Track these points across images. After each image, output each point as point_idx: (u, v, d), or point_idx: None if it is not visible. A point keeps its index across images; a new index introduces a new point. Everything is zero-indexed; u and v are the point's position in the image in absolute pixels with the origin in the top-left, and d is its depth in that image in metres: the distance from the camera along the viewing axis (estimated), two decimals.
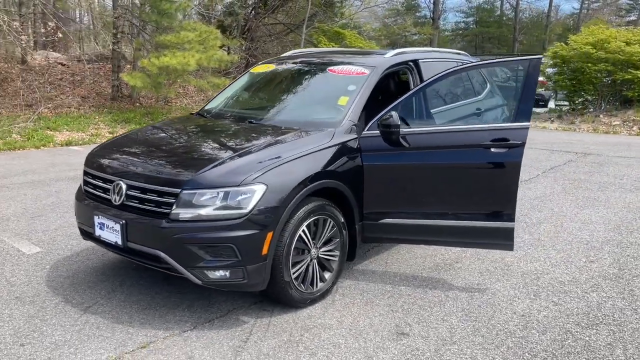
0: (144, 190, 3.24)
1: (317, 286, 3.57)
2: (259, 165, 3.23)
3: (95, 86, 16.94)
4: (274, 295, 3.42)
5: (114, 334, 3.16)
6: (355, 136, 3.79)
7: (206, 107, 4.76)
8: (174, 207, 3.11)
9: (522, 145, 3.64)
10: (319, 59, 4.74)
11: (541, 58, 3.91)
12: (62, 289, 3.76)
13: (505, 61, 4.54)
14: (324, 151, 3.56)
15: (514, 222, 3.72)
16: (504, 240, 3.75)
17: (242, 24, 19.58)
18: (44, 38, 14.32)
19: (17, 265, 4.16)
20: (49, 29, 15.11)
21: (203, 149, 3.63)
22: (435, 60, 4.89)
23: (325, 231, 3.57)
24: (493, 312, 3.47)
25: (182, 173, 3.22)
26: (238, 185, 3.11)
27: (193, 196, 3.09)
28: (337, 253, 3.70)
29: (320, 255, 3.59)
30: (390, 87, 5.63)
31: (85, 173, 3.71)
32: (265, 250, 3.14)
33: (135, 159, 3.55)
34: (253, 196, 3.11)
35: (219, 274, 3.14)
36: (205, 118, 4.46)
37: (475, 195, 3.78)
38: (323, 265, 3.65)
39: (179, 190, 3.11)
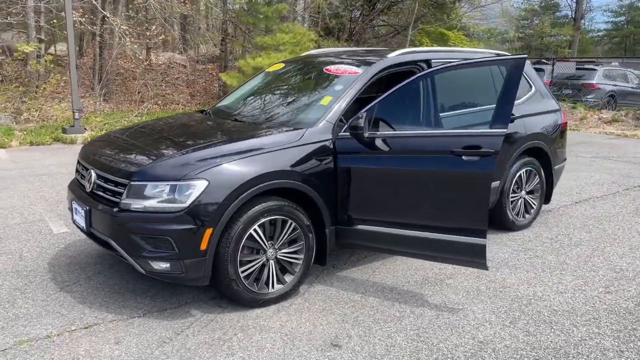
0: (106, 180, 3.43)
1: (273, 287, 3.52)
2: (206, 161, 3.26)
3: (206, 85, 18.16)
4: (221, 291, 3.44)
5: (70, 312, 3.38)
6: (330, 137, 3.66)
7: (217, 104, 4.89)
8: (123, 196, 3.24)
9: (495, 154, 3.27)
10: (327, 58, 4.64)
11: (525, 58, 3.49)
12: (58, 267, 4.09)
13: (486, 61, 4.09)
14: (286, 150, 3.50)
15: (485, 238, 3.36)
16: (476, 257, 3.40)
17: (347, 26, 19.73)
18: (156, 40, 15.54)
19: (38, 242, 4.60)
20: (169, 32, 16.40)
21: (166, 144, 3.73)
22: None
23: (284, 233, 3.50)
24: (449, 335, 3.16)
25: (135, 165, 3.35)
26: (179, 180, 3.16)
27: (140, 187, 3.20)
28: (301, 256, 3.61)
29: (280, 256, 3.53)
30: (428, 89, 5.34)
31: (77, 162, 4.01)
32: (204, 246, 3.16)
33: (110, 151, 3.76)
34: (193, 191, 3.14)
35: (161, 265, 3.21)
36: (201, 115, 4.59)
37: (445, 206, 3.48)
38: (284, 267, 3.58)
39: (128, 181, 3.24)
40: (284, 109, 4.20)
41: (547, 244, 4.76)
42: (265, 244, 3.43)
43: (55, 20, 13.42)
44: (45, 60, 12.68)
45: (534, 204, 5.26)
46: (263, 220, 3.37)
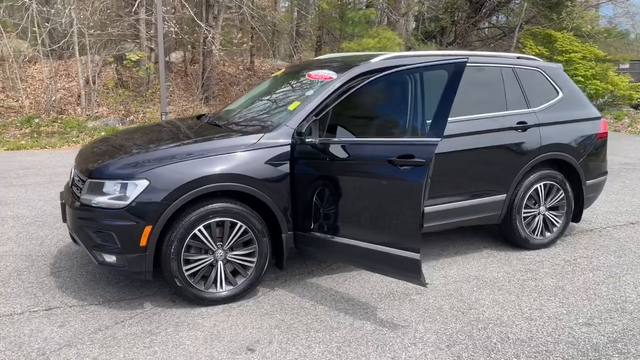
0: (79, 177, 3.75)
1: (222, 288, 3.60)
2: (151, 162, 3.43)
3: None
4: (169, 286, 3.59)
5: (44, 294, 3.75)
6: (288, 142, 3.66)
7: (224, 107, 5.08)
8: (82, 192, 3.52)
9: (425, 164, 3.05)
10: (318, 63, 4.62)
11: (466, 61, 3.21)
12: (64, 254, 4.52)
13: (426, 66, 3.74)
14: (238, 154, 3.56)
15: (418, 253, 3.14)
16: (409, 272, 3.21)
17: (449, 29, 19.14)
18: (247, 46, 16.28)
19: (63, 231, 5.11)
20: (261, 39, 17.15)
21: (133, 145, 3.95)
22: None
23: (234, 235, 3.56)
24: (371, 352, 3.02)
25: (94, 164, 3.61)
26: (123, 179, 3.37)
27: (94, 185, 3.46)
28: (253, 259, 3.65)
29: (230, 258, 3.60)
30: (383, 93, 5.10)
31: None
32: (143, 242, 3.33)
33: (90, 152, 4.07)
34: (134, 190, 3.33)
35: (109, 258, 3.45)
36: (193, 119, 4.80)
37: (383, 217, 3.31)
38: (236, 269, 3.65)
39: (87, 178, 3.51)
40: (262, 114, 4.28)
41: (556, 267, 4.30)
42: (212, 244, 3.52)
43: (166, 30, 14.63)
44: (147, 68, 13.86)
45: (557, 221, 4.77)
46: (209, 221, 3.47)
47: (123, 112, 14.49)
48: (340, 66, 4.16)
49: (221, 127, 4.18)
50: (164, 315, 3.46)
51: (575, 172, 4.77)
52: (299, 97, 4.05)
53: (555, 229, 4.78)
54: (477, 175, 4.37)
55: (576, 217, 4.95)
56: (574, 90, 4.94)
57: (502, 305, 3.61)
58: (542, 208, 4.70)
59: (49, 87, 13.80)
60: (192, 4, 15.31)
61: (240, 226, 3.56)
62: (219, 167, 3.48)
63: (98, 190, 3.43)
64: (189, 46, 17.25)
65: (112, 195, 3.40)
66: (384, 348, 3.05)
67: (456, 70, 3.25)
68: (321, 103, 3.78)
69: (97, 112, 13.99)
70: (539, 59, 5.00)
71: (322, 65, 4.35)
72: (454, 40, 19.56)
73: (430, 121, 3.35)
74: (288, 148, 3.65)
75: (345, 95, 3.77)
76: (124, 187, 3.36)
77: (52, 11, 13.33)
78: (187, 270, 3.48)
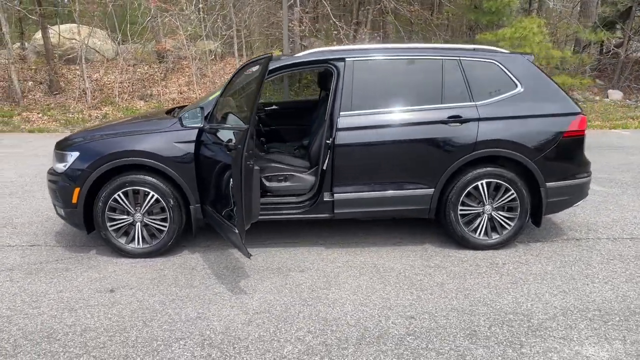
0: None
1: (139, 244, 4.39)
2: (87, 138, 4.39)
3: None
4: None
5: (17, 237, 4.99)
6: (195, 126, 4.28)
7: None
8: (53, 161, 4.64)
9: (233, 148, 3.41)
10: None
11: (270, 57, 3.43)
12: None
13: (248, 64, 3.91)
14: (152, 135, 4.32)
15: (236, 228, 3.56)
16: (238, 244, 3.69)
17: (634, 12, 16.80)
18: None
19: None
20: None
21: (99, 126, 4.93)
22: (375, 59, 4.47)
23: (147, 202, 4.33)
24: (209, 309, 3.53)
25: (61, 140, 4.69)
26: (66, 150, 4.37)
27: (55, 154, 4.53)
28: (166, 225, 4.37)
29: (147, 221, 4.38)
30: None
31: None
32: (74, 200, 4.30)
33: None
34: (70, 159, 4.31)
35: (60, 211, 4.50)
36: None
37: (231, 198, 3.76)
38: (152, 231, 4.41)
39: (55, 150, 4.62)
40: (199, 103, 4.88)
41: (473, 267, 4.15)
42: (130, 208, 4.33)
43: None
44: None
45: (507, 223, 4.49)
46: (125, 189, 4.28)
47: None
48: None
49: (172, 115, 4.95)
50: (88, 259, 4.38)
51: (530, 172, 4.42)
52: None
53: (505, 232, 4.50)
54: (402, 167, 4.41)
55: (536, 221, 4.57)
56: (542, 84, 4.53)
57: (356, 292, 3.74)
58: (487, 207, 4.47)
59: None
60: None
61: (153, 195, 4.30)
62: (132, 144, 4.27)
63: (56, 159, 4.49)
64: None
65: (61, 163, 4.42)
66: (212, 306, 3.53)
67: (262, 67, 3.53)
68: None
69: None
70: (501, 50, 4.69)
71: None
72: None
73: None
74: (194, 132, 4.26)
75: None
76: (66, 157, 4.36)
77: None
78: (111, 226, 4.35)
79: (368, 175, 4.40)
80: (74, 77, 16.80)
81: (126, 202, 4.31)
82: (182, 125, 4.26)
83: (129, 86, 16.43)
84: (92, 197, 4.32)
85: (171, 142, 4.28)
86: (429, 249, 4.55)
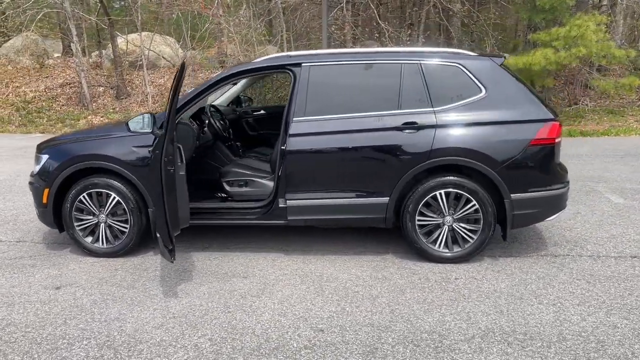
0: None
1: (103, 244, 4.59)
2: (58, 142, 4.65)
3: None
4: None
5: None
6: (143, 131, 4.40)
7: None
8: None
9: (153, 151, 3.49)
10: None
11: (184, 64, 3.49)
12: None
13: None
14: (113, 139, 4.50)
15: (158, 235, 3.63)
16: (163, 250, 3.71)
17: None
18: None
19: None
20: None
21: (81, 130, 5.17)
22: (332, 64, 4.39)
23: (109, 204, 4.51)
24: (138, 304, 3.64)
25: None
26: (40, 152, 4.66)
27: (35, 157, 4.83)
28: (127, 227, 4.54)
29: (111, 223, 4.57)
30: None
31: None
32: (45, 201, 4.56)
33: None
34: (41, 161, 4.59)
35: (36, 210, 4.79)
36: None
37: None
38: (116, 232, 4.59)
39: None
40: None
41: (418, 280, 3.96)
42: (95, 209, 4.53)
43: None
44: None
45: (470, 236, 4.25)
46: (89, 191, 4.49)
47: None
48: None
49: None
50: (57, 257, 4.63)
51: (493, 183, 4.15)
52: None
53: (467, 245, 4.26)
54: (356, 175, 4.29)
55: (503, 234, 4.28)
56: (510, 88, 4.24)
57: (283, 301, 3.69)
58: (447, 218, 4.25)
59: None
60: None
61: (114, 197, 4.47)
62: (95, 148, 4.48)
63: (36, 161, 4.79)
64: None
65: (36, 164, 4.70)
66: (136, 307, 3.63)
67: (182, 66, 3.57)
68: (187, 100, 4.40)
69: None
70: (467, 53, 4.42)
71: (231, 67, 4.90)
72: None
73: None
74: (151, 137, 4.38)
75: (206, 94, 4.34)
76: (39, 159, 4.64)
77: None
78: (78, 226, 4.57)
79: (321, 182, 4.32)
80: (141, 83, 17.78)
81: (91, 203, 4.51)
82: (129, 130, 4.40)
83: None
84: (62, 198, 4.57)
85: (130, 146, 4.43)
86: (388, 260, 4.40)
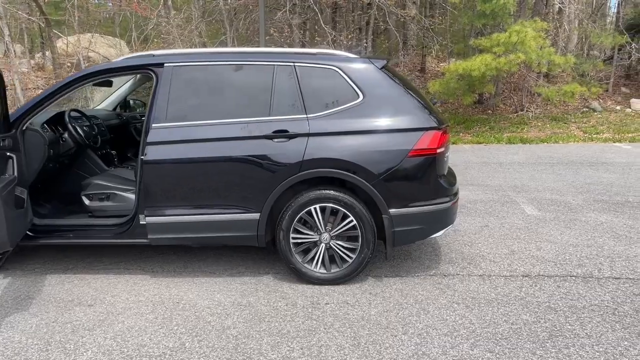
0: None
1: None
2: None
3: None
4: None
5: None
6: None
7: None
8: None
9: None
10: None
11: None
12: None
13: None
14: None
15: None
16: None
17: None
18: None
19: None
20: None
21: None
22: (198, 64, 3.95)
23: None
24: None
25: None
26: None
27: None
28: None
29: None
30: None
31: None
32: None
33: None
34: None
35: None
36: None
37: None
38: None
39: None
40: None
41: (279, 304, 3.54)
42: None
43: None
44: None
45: (348, 255, 3.85)
46: None
47: None
48: None
49: None
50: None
51: (369, 197, 3.77)
52: None
53: (345, 265, 3.87)
54: (223, 188, 3.86)
55: (371, 251, 3.89)
56: (389, 93, 3.87)
57: (116, 336, 3.22)
58: (324, 236, 3.85)
59: None
60: None
61: None
62: None
63: None
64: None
65: None
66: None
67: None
68: (31, 106, 3.93)
69: None
70: (345, 55, 4.03)
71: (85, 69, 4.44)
72: None
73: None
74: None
75: (55, 98, 3.85)
76: None
77: None
78: None
79: (183, 196, 3.87)
80: None
81: None
82: None
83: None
84: None
85: None
86: (262, 283, 3.97)
